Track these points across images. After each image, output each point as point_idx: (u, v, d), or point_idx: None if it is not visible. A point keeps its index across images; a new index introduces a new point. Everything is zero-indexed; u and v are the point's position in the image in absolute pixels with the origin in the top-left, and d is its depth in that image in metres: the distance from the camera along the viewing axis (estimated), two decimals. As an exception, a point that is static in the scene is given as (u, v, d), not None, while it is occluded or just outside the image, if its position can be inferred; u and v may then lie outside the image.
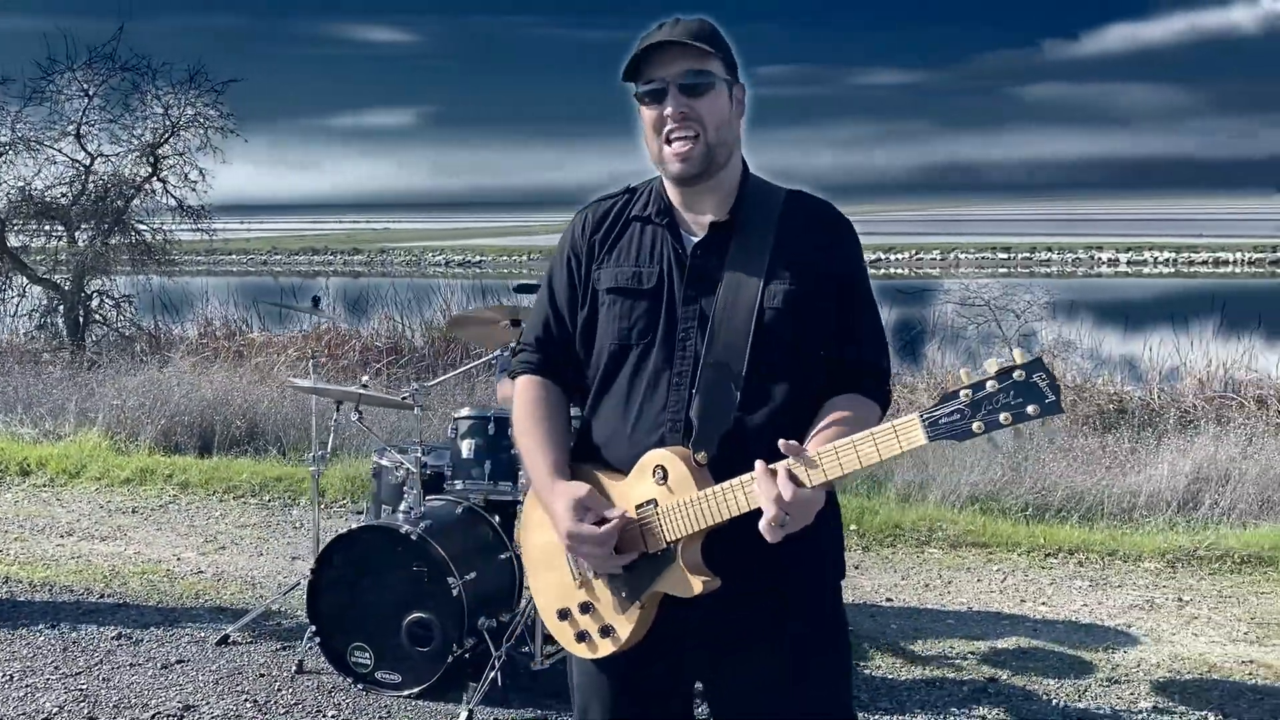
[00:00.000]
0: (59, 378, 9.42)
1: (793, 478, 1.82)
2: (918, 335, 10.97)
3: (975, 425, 1.70)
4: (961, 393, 1.72)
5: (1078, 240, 40.98)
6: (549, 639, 3.94)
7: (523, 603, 4.17)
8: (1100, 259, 36.42)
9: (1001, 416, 1.68)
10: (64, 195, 12.36)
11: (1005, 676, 4.14)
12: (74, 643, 4.44)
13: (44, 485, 7.14)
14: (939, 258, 37.17)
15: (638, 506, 1.98)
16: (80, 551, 5.75)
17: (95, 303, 12.29)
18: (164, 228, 12.67)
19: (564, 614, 2.09)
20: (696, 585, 1.93)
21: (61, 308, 12.17)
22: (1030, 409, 1.67)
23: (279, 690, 3.98)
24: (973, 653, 4.37)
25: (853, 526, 5.88)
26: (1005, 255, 37.38)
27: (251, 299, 13.23)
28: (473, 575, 3.90)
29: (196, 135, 12.40)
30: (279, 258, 40.14)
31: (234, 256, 34.84)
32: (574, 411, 2.22)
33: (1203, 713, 3.84)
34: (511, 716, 3.78)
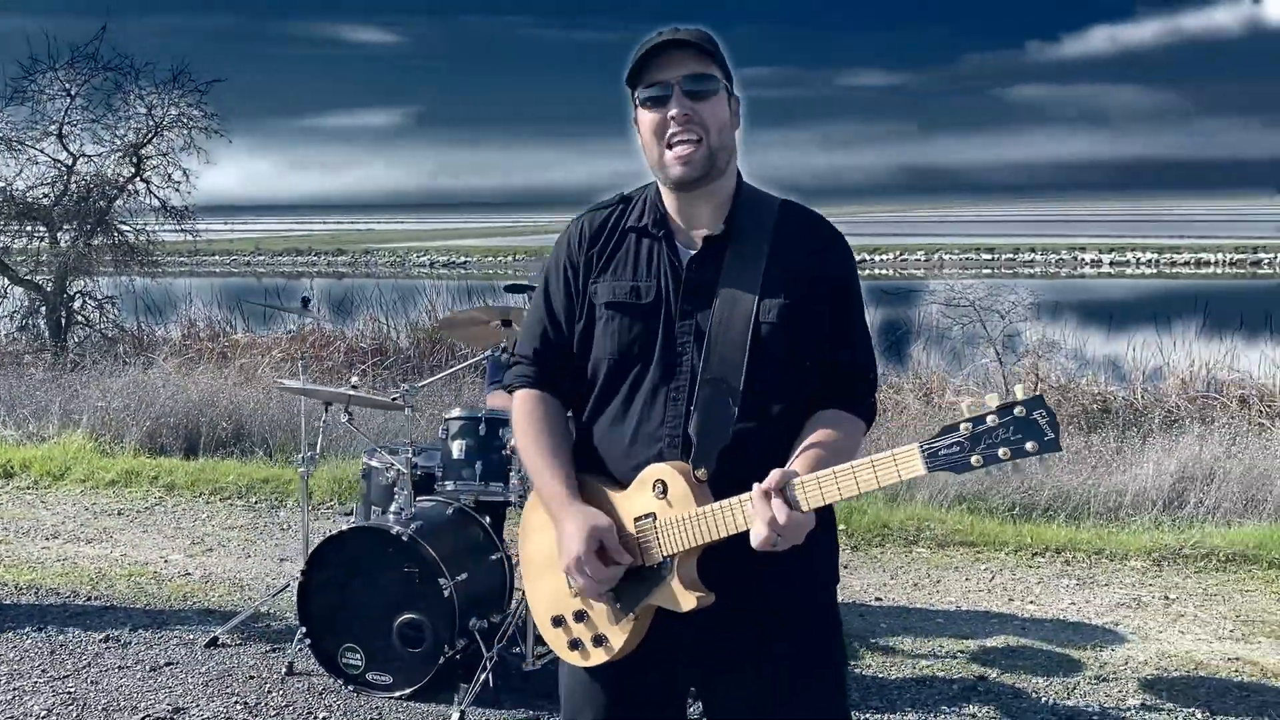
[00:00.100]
0: (41, 379, 9.36)
1: (788, 501, 1.84)
2: (903, 336, 11.01)
3: (974, 459, 1.73)
4: (961, 426, 1.74)
5: (1061, 241, 41.20)
6: (540, 640, 3.94)
7: (514, 604, 4.17)
8: (1083, 260, 36.64)
9: (1000, 451, 1.71)
10: (46, 196, 12.29)
11: (995, 675, 4.16)
12: (61, 645, 4.41)
13: (28, 487, 7.10)
14: (923, 258, 37.31)
15: (636, 519, 1.99)
16: (66, 554, 5.71)
17: (78, 304, 12.22)
18: (147, 228, 12.60)
19: (558, 620, 2.09)
20: (690, 600, 1.94)
21: (44, 309, 12.09)
22: (1029, 446, 1.70)
23: (269, 692, 3.96)
24: (962, 651, 4.40)
25: (841, 526, 5.89)
26: (989, 256, 37.55)
27: (238, 300, 13.18)
28: (464, 576, 3.89)
29: (180, 135, 12.36)
30: (263, 258, 39.96)
31: (217, 257, 34.66)
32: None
33: (1190, 709, 3.86)
34: (503, 717, 3.78)
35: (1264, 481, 6.14)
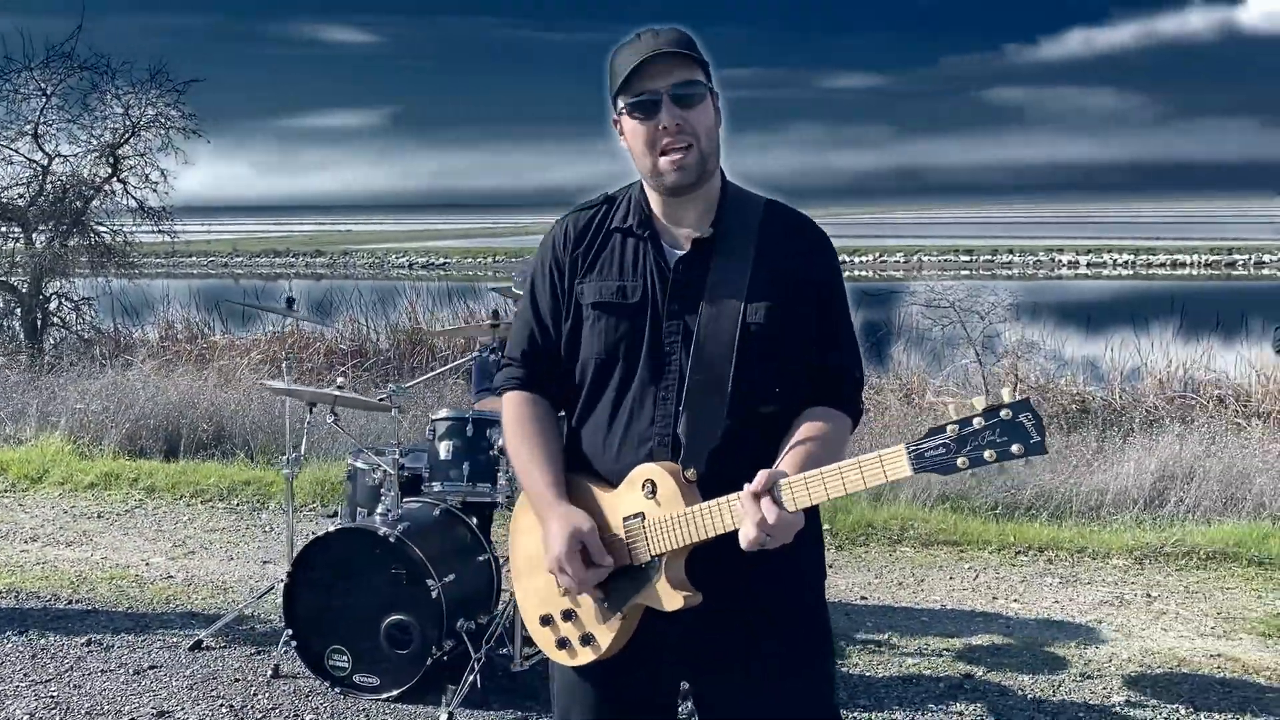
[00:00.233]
0: (17, 381, 9.25)
1: (777, 502, 1.84)
2: (884, 337, 11.06)
3: (960, 460, 1.75)
4: (948, 428, 1.75)
5: (1038, 243, 41.49)
6: (528, 641, 3.93)
7: (501, 604, 4.16)
8: (1061, 261, 36.91)
9: (986, 454, 1.73)
10: (21, 196, 12.15)
11: (981, 673, 4.18)
12: (43, 650, 4.36)
13: (5, 490, 7.02)
14: (903, 260, 37.49)
15: (625, 519, 1.99)
16: (46, 557, 5.65)
17: (54, 305, 12.09)
18: (124, 229, 12.48)
19: (546, 620, 2.10)
20: (677, 600, 1.95)
21: (19, 311, 11.96)
22: (1015, 448, 1.71)
23: (255, 695, 3.93)
24: (948, 649, 4.42)
25: (826, 526, 5.91)
26: (968, 258, 37.77)
27: (218, 301, 13.09)
28: (451, 577, 3.88)
29: (157, 136, 12.25)
30: (240, 259, 39.70)
31: (194, 259, 34.40)
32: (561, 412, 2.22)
33: (1174, 706, 3.90)
34: (491, 718, 3.76)
35: (1242, 480, 6.20)
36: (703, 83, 2.01)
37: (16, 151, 12.09)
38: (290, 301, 4.94)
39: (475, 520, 4.17)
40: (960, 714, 3.84)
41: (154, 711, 3.81)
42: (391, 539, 3.83)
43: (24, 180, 12.14)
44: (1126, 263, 36.04)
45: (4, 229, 12.20)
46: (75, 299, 12.25)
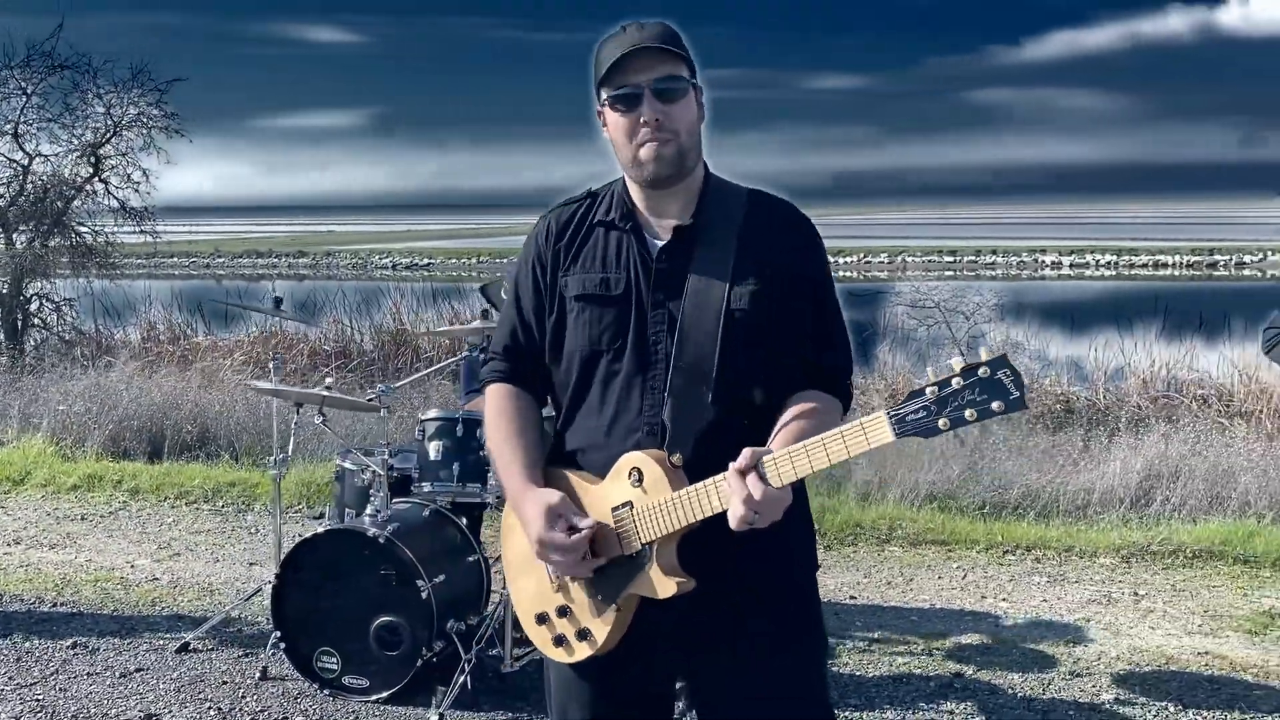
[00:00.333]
0: (-2, 382, 9.18)
1: (762, 477, 1.84)
2: (869, 337, 11.09)
3: (941, 422, 1.72)
4: (927, 390, 1.73)
5: (1021, 244, 41.69)
6: (518, 641, 3.92)
7: (491, 605, 4.14)
8: (1044, 262, 37.10)
9: (967, 413, 1.71)
10: (1, 196, 12.03)
11: (971, 671, 4.19)
12: (27, 653, 4.32)
13: (-13, 492, 6.95)
14: (886, 260, 37.61)
15: (613, 509, 1.99)
16: (29, 560, 5.60)
17: (35, 306, 11.99)
18: (106, 230, 12.39)
19: (542, 618, 2.09)
20: (670, 587, 1.94)
21: (-1, 312, 11.85)
22: (995, 405, 1.69)
23: (243, 697, 3.90)
24: (937, 648, 4.42)
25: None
26: (951, 258, 37.92)
27: (200, 302, 13.00)
28: (441, 578, 3.86)
29: (139, 135, 12.16)
30: (222, 260, 39.49)
31: (176, 259, 34.19)
32: (548, 411, 2.21)
33: (1162, 703, 3.92)
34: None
35: (1228, 479, 6.24)
36: (685, 78, 2.02)
37: (-4, 151, 11.99)
38: (278, 302, 4.90)
39: (465, 521, 4.15)
40: (951, 713, 3.84)
41: (141, 714, 3.78)
42: (381, 540, 3.81)
43: (4, 180, 12.03)
44: (1109, 263, 36.25)
45: (-17, 229, 12.10)
46: (56, 300, 12.14)
